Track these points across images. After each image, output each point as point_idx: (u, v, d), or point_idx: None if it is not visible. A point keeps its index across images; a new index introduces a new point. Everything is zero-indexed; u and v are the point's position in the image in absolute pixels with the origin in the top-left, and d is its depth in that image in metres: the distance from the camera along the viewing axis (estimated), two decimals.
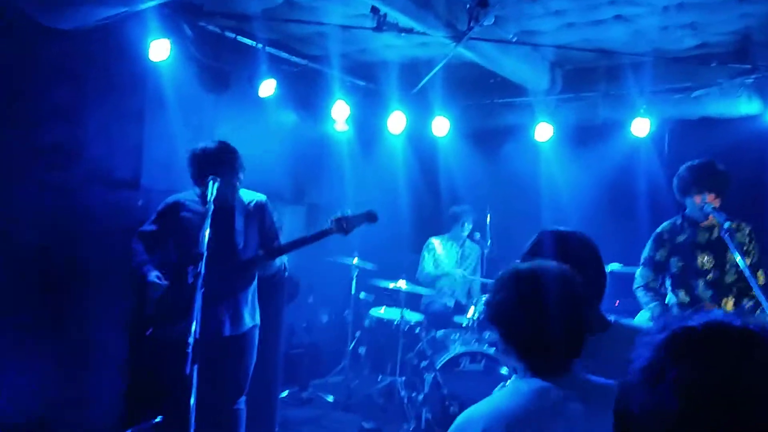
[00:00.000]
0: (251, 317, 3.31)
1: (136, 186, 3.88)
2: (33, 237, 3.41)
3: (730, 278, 3.36)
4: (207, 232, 2.66)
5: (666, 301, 3.45)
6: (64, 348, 3.53)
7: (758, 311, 3.25)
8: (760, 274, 3.29)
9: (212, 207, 2.80)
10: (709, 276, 3.35)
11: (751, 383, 0.65)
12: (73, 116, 3.60)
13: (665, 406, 0.68)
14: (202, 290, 2.53)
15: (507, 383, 1.52)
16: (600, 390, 1.41)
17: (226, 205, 3.21)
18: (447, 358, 4.29)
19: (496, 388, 1.51)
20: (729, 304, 3.38)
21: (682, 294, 3.39)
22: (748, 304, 3.34)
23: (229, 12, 3.90)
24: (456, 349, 4.35)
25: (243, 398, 3.31)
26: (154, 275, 3.12)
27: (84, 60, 3.53)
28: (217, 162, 3.11)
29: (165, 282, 3.11)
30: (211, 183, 2.91)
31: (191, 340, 2.39)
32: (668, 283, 3.49)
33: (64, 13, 3.11)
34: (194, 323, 2.42)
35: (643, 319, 3.40)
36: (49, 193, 3.50)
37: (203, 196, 3.10)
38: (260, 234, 3.32)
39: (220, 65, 4.08)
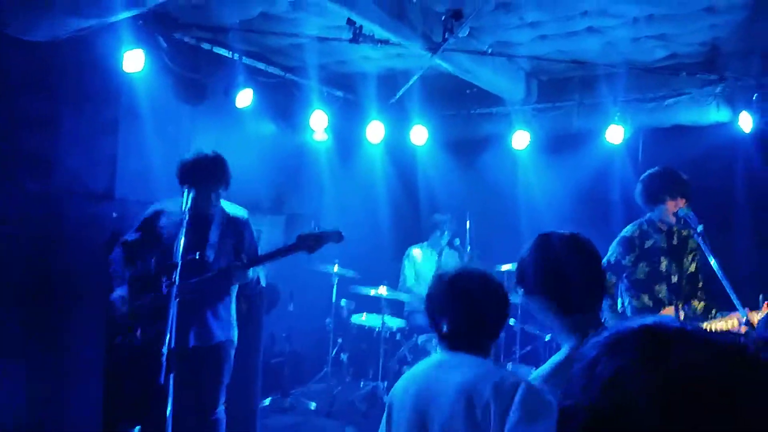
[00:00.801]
0: (223, 331, 3.25)
1: (110, 197, 3.86)
2: (9, 248, 3.38)
3: (684, 281, 3.47)
4: (182, 242, 2.66)
5: (618, 307, 3.51)
6: (41, 357, 3.49)
7: (710, 314, 3.38)
8: (700, 277, 3.50)
9: (186, 216, 2.80)
10: (672, 280, 3.44)
11: (672, 382, 0.64)
12: (49, 127, 3.57)
13: (590, 399, 0.68)
14: (177, 300, 2.53)
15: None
16: (488, 370, 1.72)
17: (203, 216, 3.19)
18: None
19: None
20: (692, 305, 3.49)
21: (645, 298, 3.45)
22: (699, 305, 3.45)
23: (205, 24, 3.91)
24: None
25: (221, 408, 3.28)
26: (117, 295, 3.12)
27: (57, 72, 3.52)
28: (197, 172, 3.12)
29: (124, 307, 3.10)
30: (186, 192, 2.91)
31: (165, 350, 2.38)
32: (624, 287, 3.54)
33: (35, 25, 3.10)
34: (168, 333, 2.41)
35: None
36: (25, 204, 3.47)
37: (182, 205, 3.06)
38: (235, 249, 3.29)
39: (196, 76, 4.08)
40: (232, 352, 3.31)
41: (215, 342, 3.22)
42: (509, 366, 4.82)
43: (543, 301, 1.72)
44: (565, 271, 1.69)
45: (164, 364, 2.32)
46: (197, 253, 3.06)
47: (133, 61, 3.53)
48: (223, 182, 3.22)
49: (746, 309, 3.02)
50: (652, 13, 3.79)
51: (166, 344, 2.36)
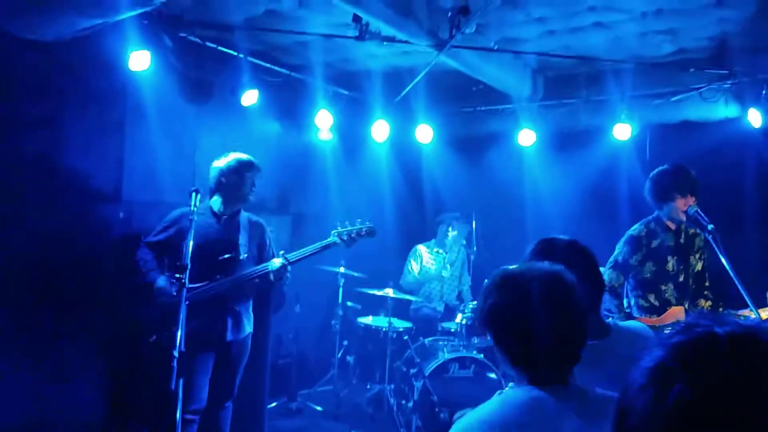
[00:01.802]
0: (249, 324, 3.47)
1: (117, 198, 3.84)
2: (16, 248, 3.36)
3: (691, 281, 3.44)
4: (191, 244, 2.66)
5: (624, 306, 3.48)
6: (46, 359, 3.47)
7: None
8: (707, 276, 3.47)
9: (195, 219, 2.81)
10: (680, 278, 3.41)
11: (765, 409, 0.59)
12: (54, 128, 3.56)
13: (667, 412, 0.63)
14: (187, 303, 2.53)
15: (504, 390, 1.48)
16: (599, 403, 1.35)
17: (230, 219, 3.42)
18: (436, 365, 4.28)
19: (495, 395, 1.45)
20: (696, 304, 3.45)
21: (652, 297, 3.42)
22: (706, 304, 3.42)
23: (210, 22, 3.88)
24: (444, 355, 4.35)
25: (230, 402, 3.45)
26: (163, 280, 3.20)
27: (63, 71, 3.50)
28: (230, 176, 3.37)
29: (175, 286, 3.10)
30: (193, 195, 2.92)
31: (176, 353, 2.36)
32: (630, 286, 3.50)
33: (41, 25, 3.08)
34: (179, 336, 2.39)
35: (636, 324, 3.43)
36: (32, 206, 3.45)
37: (212, 208, 3.39)
38: (259, 251, 3.50)
39: (201, 75, 4.06)
40: (250, 341, 3.53)
41: (245, 335, 3.43)
42: None
43: (505, 361, 1.46)
44: (535, 336, 1.37)
45: (175, 367, 2.31)
46: (232, 252, 3.31)
47: (139, 60, 3.51)
48: (251, 187, 3.45)
49: (760, 310, 3.00)
50: (660, 7, 3.75)
51: (177, 347, 2.34)
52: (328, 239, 3.51)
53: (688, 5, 3.71)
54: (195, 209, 2.87)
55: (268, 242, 3.57)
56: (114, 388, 3.66)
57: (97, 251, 3.60)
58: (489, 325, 1.44)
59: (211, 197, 3.44)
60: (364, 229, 3.54)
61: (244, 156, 3.46)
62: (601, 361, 1.56)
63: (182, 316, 2.46)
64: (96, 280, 3.59)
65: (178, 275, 2.62)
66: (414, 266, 5.50)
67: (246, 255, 3.38)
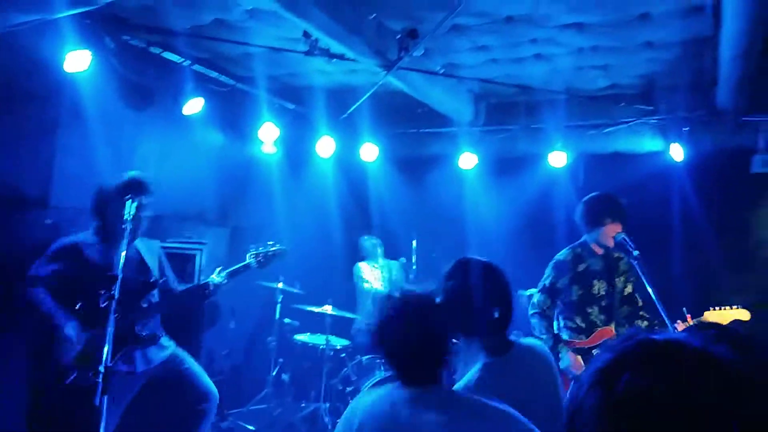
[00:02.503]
0: (168, 341, 3.32)
1: (44, 203, 3.64)
2: None
3: (617, 303, 3.62)
4: (123, 254, 2.55)
5: (555, 329, 3.62)
6: None
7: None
8: (638, 297, 3.63)
9: (130, 226, 2.70)
10: (604, 302, 3.57)
11: (698, 401, 0.67)
12: None
13: (613, 408, 0.71)
14: (116, 315, 2.41)
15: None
16: (471, 404, 1.59)
17: (131, 244, 3.13)
18: (372, 383, 4.25)
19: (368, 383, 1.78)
20: (620, 327, 3.62)
21: (579, 320, 3.56)
22: (643, 324, 3.60)
23: (155, 27, 3.79)
24: (382, 373, 4.32)
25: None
26: (71, 327, 2.91)
27: None
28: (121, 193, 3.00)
29: (85, 333, 2.93)
30: (129, 202, 2.81)
31: (102, 368, 2.25)
32: (559, 309, 3.64)
33: None
34: (106, 351, 2.28)
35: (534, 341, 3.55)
36: None
37: (100, 231, 3.10)
38: (161, 272, 3.34)
39: (143, 81, 3.94)
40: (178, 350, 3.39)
41: (167, 355, 3.26)
42: None
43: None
44: (397, 350, 1.70)
45: (100, 384, 2.19)
46: (150, 276, 3.15)
47: (78, 60, 3.36)
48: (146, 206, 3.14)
49: (676, 323, 3.20)
50: (597, 44, 3.97)
51: (103, 363, 2.23)
52: (245, 261, 3.46)
53: (620, 43, 3.95)
54: (129, 217, 2.76)
55: (166, 263, 3.43)
56: (36, 407, 3.42)
57: (21, 259, 3.39)
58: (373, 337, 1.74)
59: (93, 220, 3.17)
60: (277, 251, 3.50)
61: (129, 174, 3.13)
62: (502, 374, 1.83)
63: (110, 330, 2.34)
64: (18, 290, 3.37)
65: (104, 289, 2.48)
66: (360, 284, 5.49)
67: (157, 278, 3.24)
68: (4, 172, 3.44)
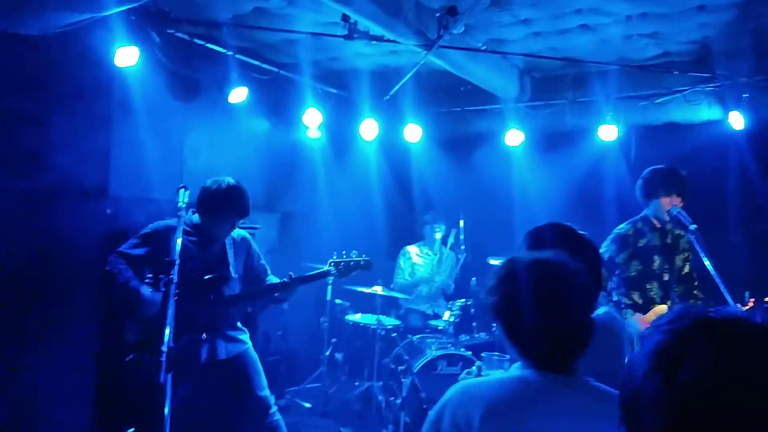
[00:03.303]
0: (245, 335, 3.42)
1: (104, 194, 3.82)
2: (3, 243, 3.32)
3: (674, 280, 3.50)
4: (179, 241, 2.65)
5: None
6: (33, 358, 3.44)
7: None
8: (695, 276, 3.53)
9: (183, 215, 2.81)
10: (665, 278, 3.47)
11: (764, 384, 0.65)
12: (39, 123, 3.52)
13: (680, 395, 0.68)
14: (175, 298, 2.51)
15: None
16: (601, 395, 1.36)
17: (220, 239, 3.30)
18: (424, 362, 4.31)
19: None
20: (675, 305, 3.51)
21: (636, 296, 3.47)
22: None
23: (197, 19, 3.88)
24: (432, 352, 4.37)
25: (275, 408, 3.39)
26: (147, 289, 3.05)
27: (49, 66, 3.47)
28: (223, 203, 3.19)
29: (158, 295, 3.07)
30: (182, 192, 2.91)
31: (165, 348, 2.36)
32: (614, 284, 3.54)
33: (26, 19, 3.05)
34: (167, 331, 2.39)
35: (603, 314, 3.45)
36: (17, 202, 3.41)
37: (197, 224, 3.24)
38: (245, 268, 3.42)
39: (189, 72, 4.04)
40: (252, 350, 3.47)
41: (244, 348, 3.36)
42: None
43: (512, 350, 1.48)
44: (541, 329, 1.39)
45: (164, 362, 2.30)
46: (222, 271, 3.23)
47: (126, 56, 3.49)
48: (244, 214, 3.28)
49: (737, 305, 3.06)
50: (645, 11, 3.81)
51: (166, 342, 2.34)
52: (324, 267, 3.54)
53: (671, 9, 3.77)
54: (183, 205, 2.87)
55: (255, 257, 3.48)
56: (100, 390, 3.63)
57: (84, 247, 3.58)
58: (497, 314, 1.45)
59: (194, 213, 3.29)
60: (361, 262, 3.60)
61: (238, 189, 3.22)
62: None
63: (170, 312, 2.45)
64: (82, 277, 3.57)
65: (162, 274, 2.59)
66: (406, 268, 5.52)
67: (236, 274, 3.33)
68: (65, 164, 3.62)
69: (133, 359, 3.01)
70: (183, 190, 2.93)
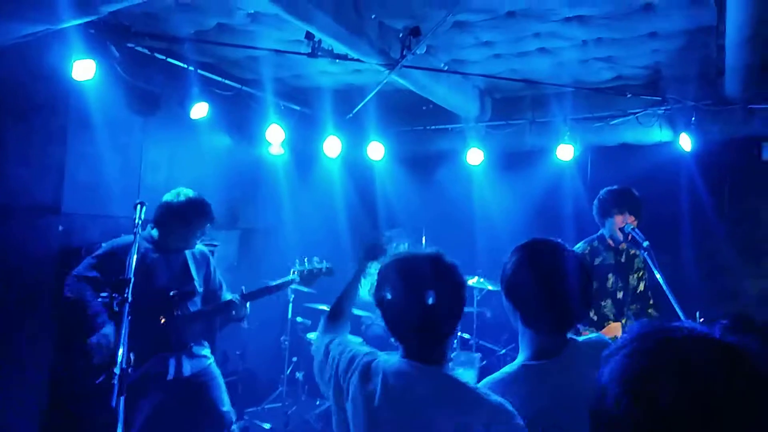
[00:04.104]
0: (207, 351, 3.37)
1: (57, 210, 3.70)
2: None
3: (629, 298, 3.61)
4: (134, 259, 2.58)
5: None
6: None
7: None
8: (650, 294, 3.62)
9: (139, 232, 2.74)
10: (618, 295, 3.57)
11: (734, 399, 0.67)
12: None
13: (647, 414, 0.70)
14: (129, 318, 2.44)
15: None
16: (454, 388, 1.52)
17: (175, 251, 3.26)
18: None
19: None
20: (629, 321, 3.61)
21: (591, 313, 3.55)
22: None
23: (159, 33, 3.83)
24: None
25: (235, 426, 3.36)
26: (104, 333, 2.95)
27: (2, 79, 3.36)
28: (186, 215, 3.17)
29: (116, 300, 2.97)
30: (138, 208, 2.85)
31: (117, 370, 2.28)
32: None
33: None
34: (121, 351, 2.32)
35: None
36: None
37: (156, 241, 3.19)
38: (205, 283, 3.38)
39: (149, 87, 3.98)
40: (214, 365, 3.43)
41: (204, 366, 3.30)
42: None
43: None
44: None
45: (116, 385, 2.23)
46: (188, 287, 3.19)
47: (84, 69, 3.41)
48: (210, 221, 3.26)
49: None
50: (600, 36, 3.95)
51: (119, 365, 2.27)
52: (288, 277, 3.50)
53: (624, 35, 3.92)
54: (140, 221, 2.80)
55: (213, 272, 3.45)
56: (53, 411, 3.48)
57: (36, 265, 3.45)
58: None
59: (153, 228, 3.25)
60: (323, 269, 3.57)
61: (197, 198, 3.22)
62: (541, 379, 1.61)
63: (124, 331, 2.38)
64: (33, 294, 3.44)
65: (117, 293, 2.52)
66: (366, 285, 5.50)
67: (201, 289, 3.30)
68: (17, 180, 3.50)
69: (104, 380, 2.92)
70: (140, 206, 2.86)
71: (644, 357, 0.74)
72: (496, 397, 1.49)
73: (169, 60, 4.06)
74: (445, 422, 1.46)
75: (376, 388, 1.56)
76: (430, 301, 1.53)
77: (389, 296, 1.60)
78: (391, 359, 1.64)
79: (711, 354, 0.71)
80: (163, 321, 3.12)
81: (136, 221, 2.79)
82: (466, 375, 2.04)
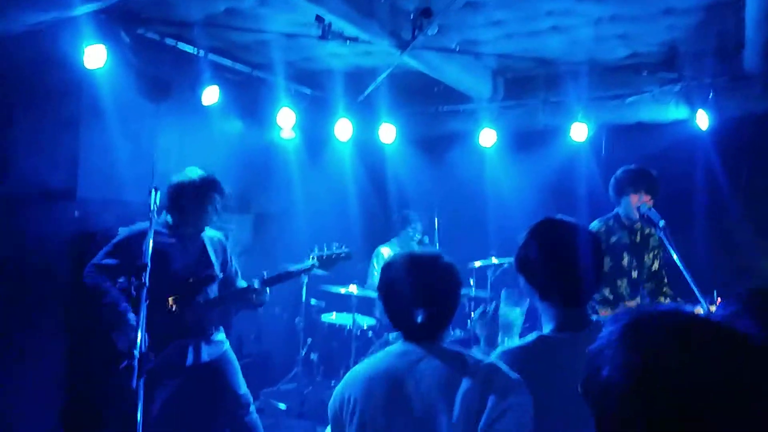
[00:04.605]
0: (223, 337, 3.39)
1: (71, 197, 3.74)
2: None
3: (644, 278, 3.58)
4: (150, 243, 2.60)
5: None
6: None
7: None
8: (664, 273, 3.59)
9: (155, 218, 2.75)
10: (633, 275, 3.54)
11: (686, 369, 0.73)
12: (5, 125, 3.43)
13: (615, 381, 0.77)
14: (147, 302, 2.47)
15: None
16: (455, 356, 1.63)
17: (193, 236, 3.27)
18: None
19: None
20: (644, 301, 3.60)
21: (606, 292, 3.54)
22: (665, 301, 3.57)
23: (168, 19, 3.82)
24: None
25: (253, 407, 3.40)
26: (132, 316, 2.99)
27: (13, 67, 3.38)
28: (197, 191, 3.17)
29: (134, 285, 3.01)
30: (153, 193, 2.86)
31: (137, 353, 2.32)
32: None
33: None
34: (140, 336, 2.35)
35: None
36: None
37: (172, 226, 3.19)
38: (222, 269, 3.39)
39: (160, 73, 3.98)
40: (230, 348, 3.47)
41: (225, 349, 3.35)
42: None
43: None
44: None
45: (135, 367, 2.26)
46: (208, 272, 3.21)
47: (95, 56, 3.42)
48: (221, 194, 3.28)
49: (708, 300, 3.12)
50: (615, 13, 3.88)
51: (138, 347, 2.30)
52: (307, 262, 3.51)
53: (639, 11, 3.85)
54: (155, 207, 2.82)
55: (230, 259, 3.46)
56: (71, 398, 3.55)
57: (51, 251, 3.50)
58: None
59: (167, 214, 3.25)
60: (342, 254, 3.58)
61: (205, 174, 3.25)
62: (572, 354, 1.58)
63: (142, 316, 2.41)
64: (49, 281, 3.49)
65: (135, 277, 2.55)
66: (378, 269, 5.53)
67: (220, 274, 3.31)
68: (31, 167, 3.54)
69: (127, 365, 2.97)
70: (154, 191, 2.87)
71: (602, 340, 0.82)
72: (505, 368, 1.56)
73: (179, 45, 4.05)
74: (453, 391, 1.53)
75: (380, 381, 1.64)
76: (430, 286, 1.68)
77: (395, 285, 1.71)
78: (387, 350, 1.73)
79: (660, 330, 0.78)
80: (174, 308, 3.13)
81: (152, 206, 2.81)
82: (512, 314, 2.10)
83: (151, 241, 2.61)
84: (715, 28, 4.05)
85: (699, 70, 4.60)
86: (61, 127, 3.68)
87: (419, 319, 1.67)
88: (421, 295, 1.67)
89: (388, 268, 1.76)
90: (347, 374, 1.75)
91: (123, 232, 3.18)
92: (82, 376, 3.45)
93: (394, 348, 1.72)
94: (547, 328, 1.72)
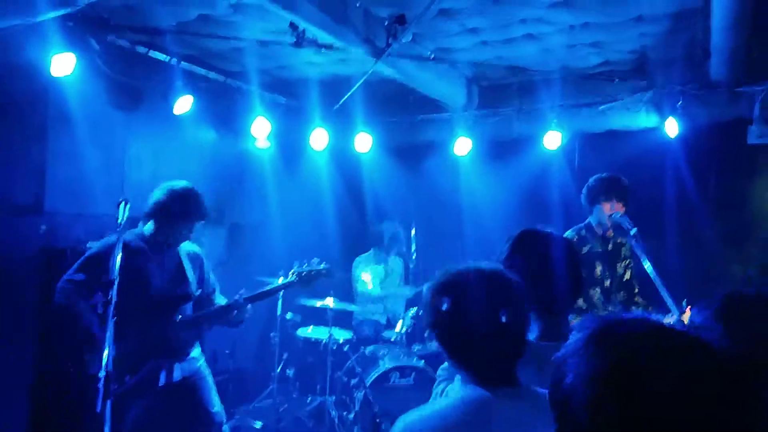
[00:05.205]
0: (197, 352, 3.30)
1: (38, 210, 3.61)
2: None
3: (616, 287, 3.62)
4: (119, 258, 2.52)
5: None
6: None
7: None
8: (635, 283, 3.63)
9: (123, 232, 2.67)
10: (606, 284, 3.57)
11: (643, 375, 0.73)
12: None
13: (578, 389, 0.77)
14: (114, 319, 2.39)
15: (446, 389, 1.56)
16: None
17: (168, 249, 3.16)
18: (376, 375, 4.27)
19: (437, 396, 1.57)
20: (615, 309, 3.63)
21: (580, 301, 3.56)
22: (637, 310, 3.60)
23: (140, 26, 3.74)
24: (385, 364, 4.34)
25: (226, 426, 3.30)
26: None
27: None
28: (181, 206, 3.09)
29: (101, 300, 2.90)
30: (122, 206, 2.77)
31: (102, 374, 2.23)
32: None
33: None
34: (106, 355, 2.26)
35: None
36: None
37: (148, 239, 3.08)
38: (200, 285, 3.30)
39: (131, 81, 3.89)
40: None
41: (196, 367, 3.24)
42: None
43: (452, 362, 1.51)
44: (548, 275, 1.68)
45: (101, 390, 2.18)
46: (186, 289, 3.12)
47: (63, 64, 3.31)
48: (202, 216, 3.19)
49: (679, 308, 3.15)
50: (587, 20, 3.93)
51: (104, 368, 2.22)
52: (288, 279, 3.46)
53: (611, 19, 3.91)
54: (123, 221, 2.73)
55: (207, 275, 3.37)
56: (38, 418, 3.41)
57: (17, 266, 3.37)
58: (433, 326, 1.45)
59: (145, 224, 3.13)
60: (323, 271, 3.55)
61: (192, 189, 3.17)
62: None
63: (109, 333, 2.33)
64: (16, 299, 3.36)
65: (102, 293, 2.45)
66: (359, 280, 5.39)
67: (197, 292, 3.22)
68: None
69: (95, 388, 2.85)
70: (123, 204, 2.78)
71: (566, 349, 0.83)
72: None
73: (151, 53, 3.97)
74: None
75: None
76: (503, 319, 1.36)
77: (460, 314, 1.39)
78: (459, 394, 1.39)
79: (621, 338, 0.79)
80: (151, 327, 3.03)
81: (120, 221, 2.72)
82: None
83: (119, 257, 2.53)
84: (683, 35, 4.14)
85: (669, 78, 4.69)
86: (27, 138, 3.57)
87: (498, 356, 1.38)
88: (502, 328, 1.36)
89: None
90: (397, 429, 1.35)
91: (95, 246, 3.06)
92: (49, 395, 3.31)
93: (461, 394, 1.39)
94: (530, 337, 1.71)
